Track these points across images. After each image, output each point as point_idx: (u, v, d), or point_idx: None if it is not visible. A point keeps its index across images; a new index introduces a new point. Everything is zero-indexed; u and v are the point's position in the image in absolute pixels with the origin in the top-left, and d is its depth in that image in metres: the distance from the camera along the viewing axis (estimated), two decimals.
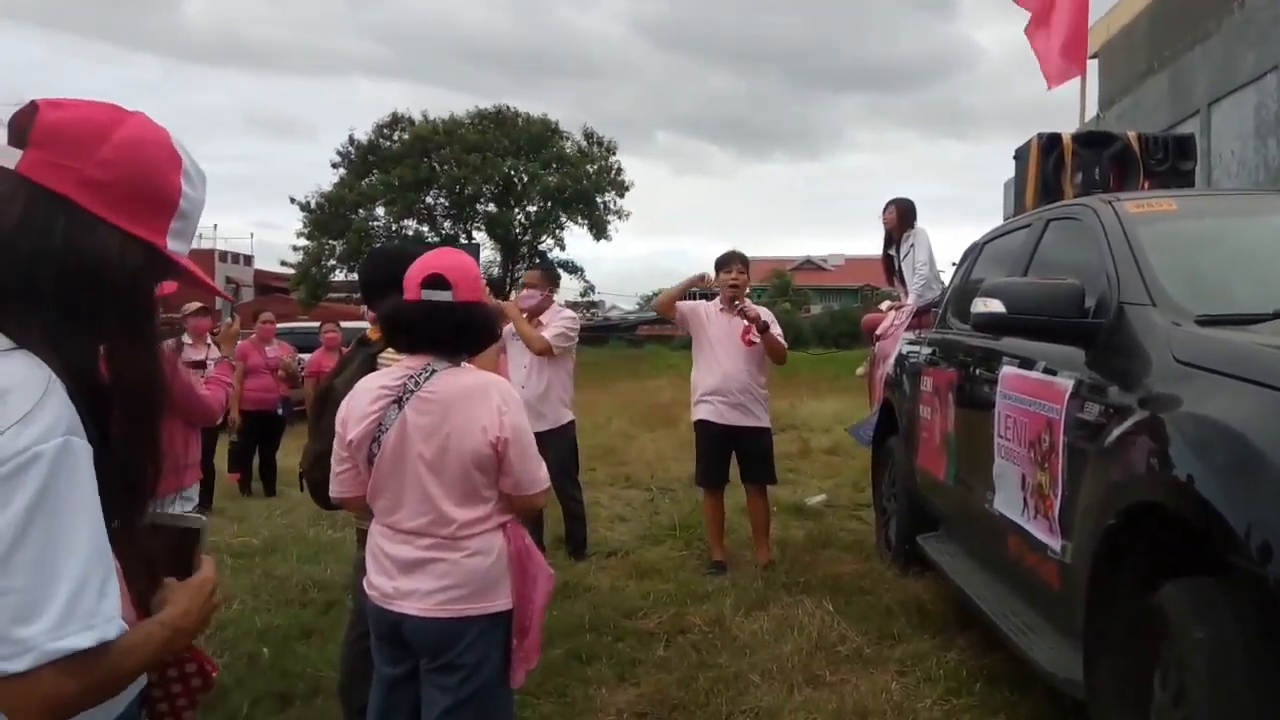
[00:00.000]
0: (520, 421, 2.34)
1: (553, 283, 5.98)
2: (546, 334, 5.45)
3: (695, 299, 5.86)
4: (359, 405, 2.40)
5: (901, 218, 6.69)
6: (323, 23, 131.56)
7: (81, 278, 1.07)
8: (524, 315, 5.56)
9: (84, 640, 0.98)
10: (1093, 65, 15.38)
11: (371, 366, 2.99)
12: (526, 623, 2.35)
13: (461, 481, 2.30)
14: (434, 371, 2.34)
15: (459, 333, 2.37)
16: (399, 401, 2.33)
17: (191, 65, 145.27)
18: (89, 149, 1.09)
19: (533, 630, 2.38)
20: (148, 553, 1.20)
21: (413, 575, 2.32)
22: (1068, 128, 4.75)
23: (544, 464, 2.43)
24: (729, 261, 5.45)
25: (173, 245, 1.17)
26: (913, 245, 6.56)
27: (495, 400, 2.31)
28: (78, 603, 0.97)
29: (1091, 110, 16.86)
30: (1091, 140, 4.52)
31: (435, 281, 2.32)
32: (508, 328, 5.61)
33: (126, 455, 1.11)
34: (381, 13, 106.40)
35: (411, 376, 2.34)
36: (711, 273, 5.52)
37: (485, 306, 2.44)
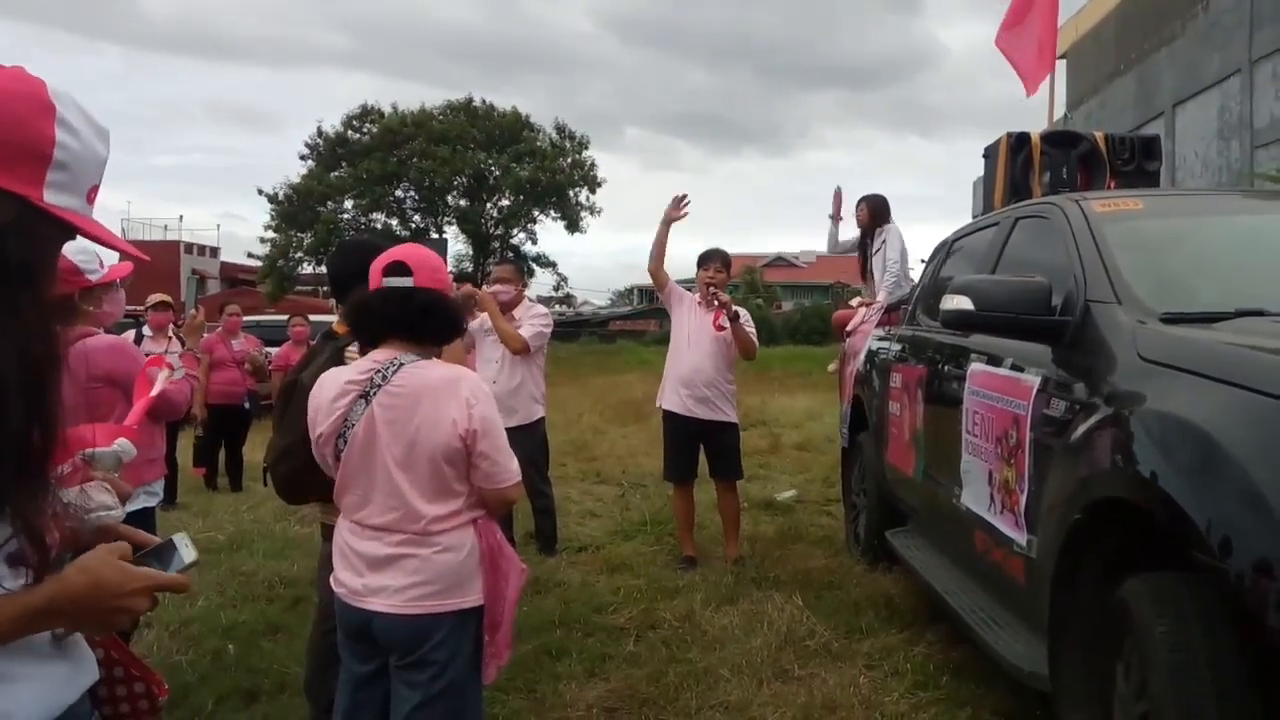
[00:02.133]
0: (490, 414, 2.31)
1: (522, 277, 5.94)
2: (524, 332, 5.42)
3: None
4: (324, 399, 2.36)
5: (873, 214, 6.72)
6: (288, 13, 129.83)
7: None
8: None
9: None
10: (1060, 66, 15.54)
11: (338, 360, 2.95)
12: (498, 618, 2.33)
13: (431, 476, 2.27)
14: (401, 365, 2.31)
15: (420, 317, 2.34)
16: (366, 396, 2.30)
17: (153, 55, 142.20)
18: None
19: (504, 626, 2.36)
20: (48, 542, 1.11)
21: (382, 572, 2.29)
22: (1034, 127, 4.79)
23: (515, 457, 2.40)
24: (709, 258, 5.46)
25: (54, 198, 1.09)
26: (884, 241, 6.59)
27: (464, 393, 2.28)
28: None
29: (1059, 110, 17.05)
30: (1059, 140, 4.57)
31: (396, 268, 2.33)
32: (476, 323, 5.60)
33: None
34: (349, 3, 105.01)
35: (378, 370, 2.31)
36: (685, 194, 5.42)
37: (449, 298, 2.43)
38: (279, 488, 3.08)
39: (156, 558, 1.23)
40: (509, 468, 2.34)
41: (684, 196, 5.45)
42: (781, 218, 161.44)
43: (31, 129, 1.08)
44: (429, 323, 2.36)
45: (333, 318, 3.71)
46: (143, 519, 3.35)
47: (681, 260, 5.88)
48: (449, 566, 2.28)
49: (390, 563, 2.29)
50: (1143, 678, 2.14)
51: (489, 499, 2.37)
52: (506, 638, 2.38)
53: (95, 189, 1.16)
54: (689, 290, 5.58)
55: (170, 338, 6.82)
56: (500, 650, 2.37)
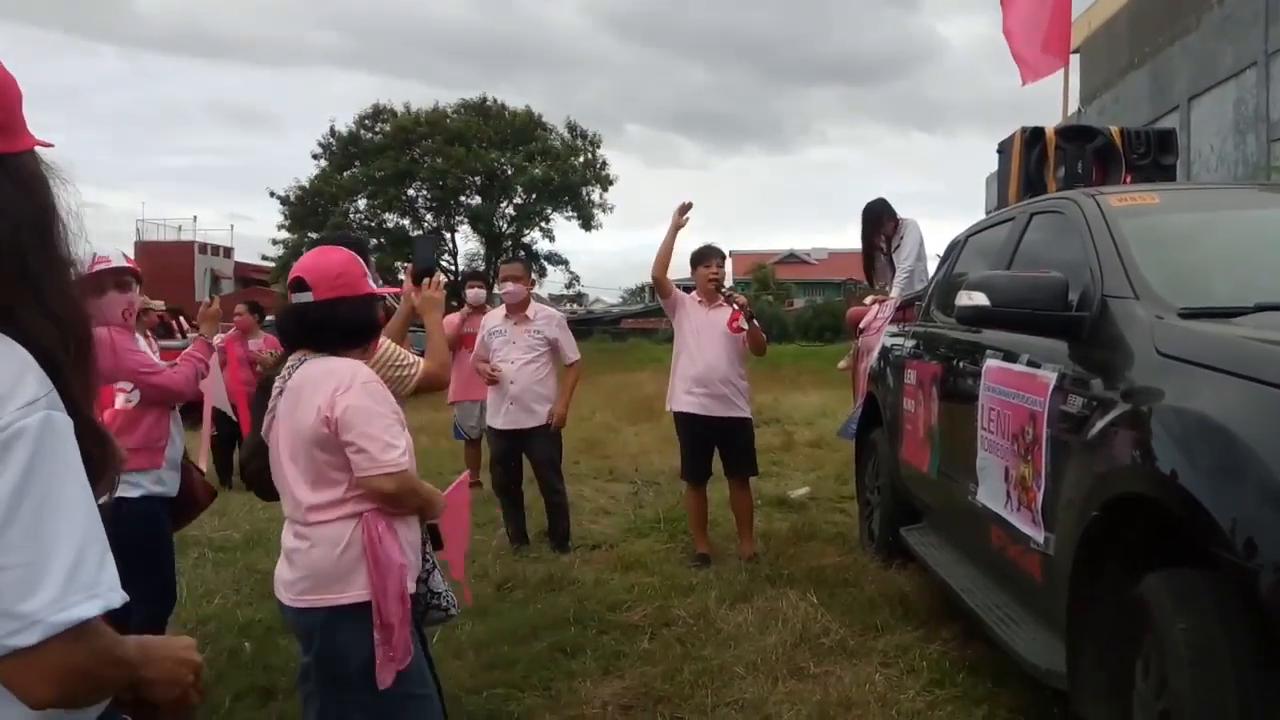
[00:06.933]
0: (356, 402, 2.28)
1: (530, 274, 5.98)
2: (562, 346, 5.61)
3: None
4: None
5: (870, 222, 6.64)
6: (279, 11, 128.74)
7: None
8: (509, 309, 5.62)
9: (89, 609, 0.97)
10: (1074, 60, 15.47)
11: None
12: (389, 619, 2.23)
13: (308, 462, 2.33)
14: (303, 362, 2.42)
15: (316, 331, 2.42)
16: (282, 392, 2.43)
17: (152, 56, 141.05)
18: None
19: (398, 627, 2.24)
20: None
21: (287, 565, 2.39)
22: (1042, 122, 4.76)
23: (397, 447, 2.30)
24: (706, 256, 5.46)
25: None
26: (902, 238, 6.55)
27: (336, 381, 2.32)
28: (78, 573, 0.97)
29: (1073, 105, 16.95)
30: (1074, 134, 4.55)
31: (296, 284, 2.43)
32: (493, 321, 5.66)
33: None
34: (342, 2, 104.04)
35: (289, 368, 2.44)
36: (689, 201, 5.37)
37: (349, 302, 2.42)
38: (249, 484, 3.09)
39: None
40: (381, 459, 2.25)
41: (688, 204, 5.39)
42: (784, 214, 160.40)
43: None
44: (326, 336, 2.43)
45: None
46: (150, 504, 3.36)
47: (678, 259, 5.87)
48: (325, 559, 2.28)
49: (290, 556, 2.37)
50: (1162, 675, 2.13)
51: (363, 486, 2.30)
52: (404, 640, 2.26)
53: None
54: (687, 291, 5.58)
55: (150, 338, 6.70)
56: (397, 652, 2.24)
